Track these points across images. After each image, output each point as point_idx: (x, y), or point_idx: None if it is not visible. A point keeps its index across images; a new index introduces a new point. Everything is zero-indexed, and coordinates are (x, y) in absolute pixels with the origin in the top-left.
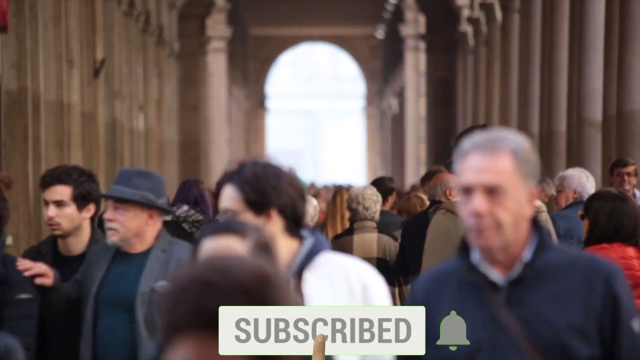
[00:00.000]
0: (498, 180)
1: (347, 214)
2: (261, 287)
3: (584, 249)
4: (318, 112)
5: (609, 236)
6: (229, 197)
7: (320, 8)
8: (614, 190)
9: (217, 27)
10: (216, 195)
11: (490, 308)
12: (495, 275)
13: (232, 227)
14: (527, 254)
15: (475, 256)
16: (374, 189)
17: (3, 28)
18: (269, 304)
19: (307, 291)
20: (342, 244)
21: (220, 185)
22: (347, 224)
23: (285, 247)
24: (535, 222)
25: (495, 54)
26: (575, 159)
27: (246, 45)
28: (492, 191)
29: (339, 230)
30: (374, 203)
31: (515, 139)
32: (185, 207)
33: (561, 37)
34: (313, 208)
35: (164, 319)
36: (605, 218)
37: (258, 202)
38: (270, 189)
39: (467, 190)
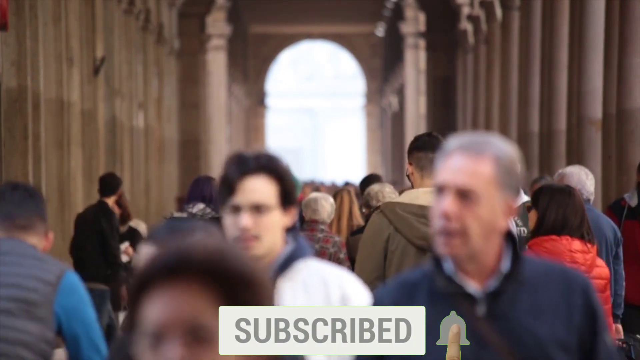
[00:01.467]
0: (472, 184)
1: (345, 216)
2: (217, 261)
3: (532, 239)
4: (318, 110)
5: (558, 229)
6: (263, 191)
7: (320, 6)
8: (560, 184)
9: (217, 25)
10: (231, 186)
11: (468, 321)
12: (472, 286)
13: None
14: (504, 265)
15: (449, 266)
16: (392, 187)
17: (3, 26)
18: (228, 278)
19: (280, 297)
20: (359, 240)
21: (239, 174)
22: (344, 226)
23: (279, 248)
24: (507, 232)
25: (495, 52)
26: (575, 157)
27: (246, 43)
28: (464, 195)
29: (334, 231)
30: None
31: (502, 146)
32: (201, 205)
33: (561, 35)
34: (330, 205)
35: (132, 286)
36: (553, 211)
37: (290, 198)
38: (295, 185)
39: (440, 190)
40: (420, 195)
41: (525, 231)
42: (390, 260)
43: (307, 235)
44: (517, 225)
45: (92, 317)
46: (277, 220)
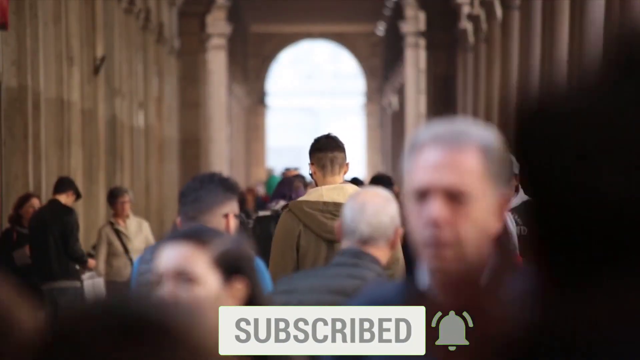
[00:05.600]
0: (463, 183)
1: None
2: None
3: None
4: (318, 110)
5: None
6: None
7: (321, 5)
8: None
9: (217, 24)
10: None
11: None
12: None
13: (192, 235)
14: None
15: (423, 279)
16: None
17: (3, 26)
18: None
19: None
20: None
21: None
22: None
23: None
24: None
25: (496, 51)
26: None
27: (246, 42)
28: (453, 197)
29: None
30: None
31: (485, 133)
32: (282, 202)
33: (561, 34)
34: None
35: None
36: None
37: None
38: None
39: (422, 195)
40: (324, 193)
41: (526, 230)
42: (304, 255)
43: None
44: (517, 224)
45: None
46: None
